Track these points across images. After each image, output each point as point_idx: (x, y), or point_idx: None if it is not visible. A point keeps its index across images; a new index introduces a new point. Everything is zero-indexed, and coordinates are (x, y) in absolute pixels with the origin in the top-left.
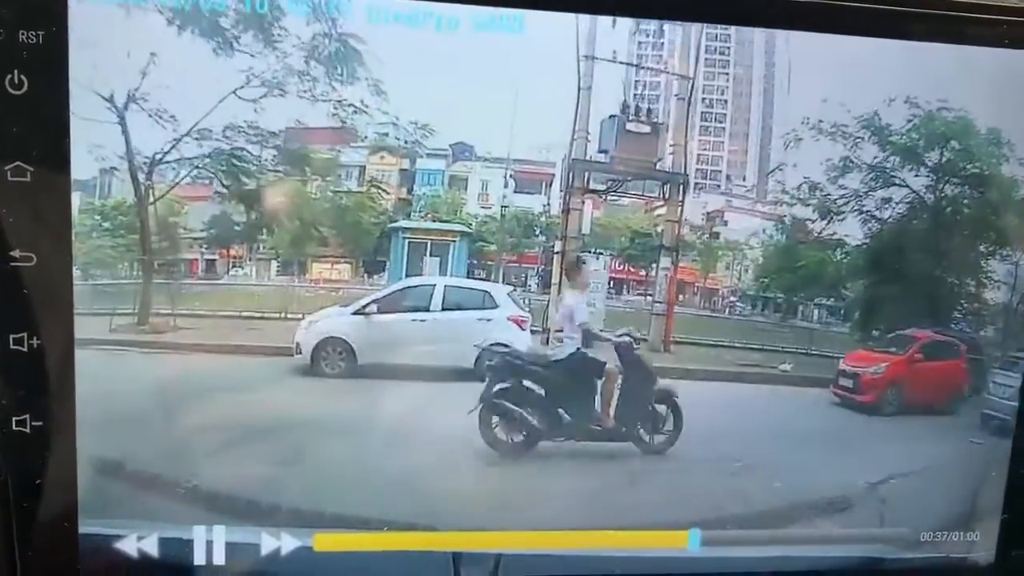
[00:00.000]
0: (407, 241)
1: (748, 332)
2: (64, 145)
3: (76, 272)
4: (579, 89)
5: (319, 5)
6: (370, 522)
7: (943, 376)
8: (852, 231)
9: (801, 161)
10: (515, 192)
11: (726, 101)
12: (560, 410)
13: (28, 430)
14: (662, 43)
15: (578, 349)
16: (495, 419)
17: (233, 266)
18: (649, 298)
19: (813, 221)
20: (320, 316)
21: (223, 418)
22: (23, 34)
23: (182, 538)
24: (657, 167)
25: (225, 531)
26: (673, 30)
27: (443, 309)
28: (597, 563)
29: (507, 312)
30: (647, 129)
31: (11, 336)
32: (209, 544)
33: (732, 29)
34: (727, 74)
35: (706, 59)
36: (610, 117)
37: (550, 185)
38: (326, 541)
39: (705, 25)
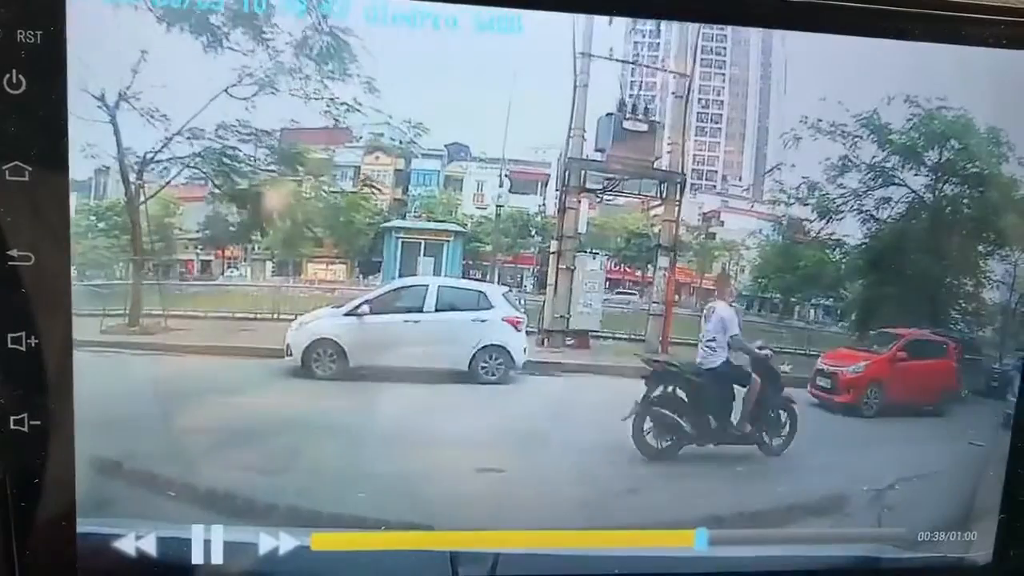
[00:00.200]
0: (400, 241)
1: (747, 332)
2: (62, 145)
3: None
4: (575, 87)
5: (314, 4)
6: (367, 521)
7: (930, 376)
8: (851, 231)
9: (799, 161)
10: (510, 192)
11: (722, 101)
12: (709, 416)
13: (26, 429)
14: (658, 43)
15: (727, 360)
16: (648, 424)
17: (228, 267)
18: (646, 299)
19: (812, 221)
20: (311, 317)
21: (213, 420)
22: (21, 33)
23: (180, 537)
24: (654, 166)
25: (223, 530)
26: (670, 28)
27: (437, 310)
28: (596, 562)
29: (502, 313)
30: (644, 127)
31: (9, 335)
32: (207, 543)
33: (728, 29)
34: (723, 74)
35: (702, 59)
36: (607, 115)
37: (546, 185)
38: (323, 540)
39: (702, 24)
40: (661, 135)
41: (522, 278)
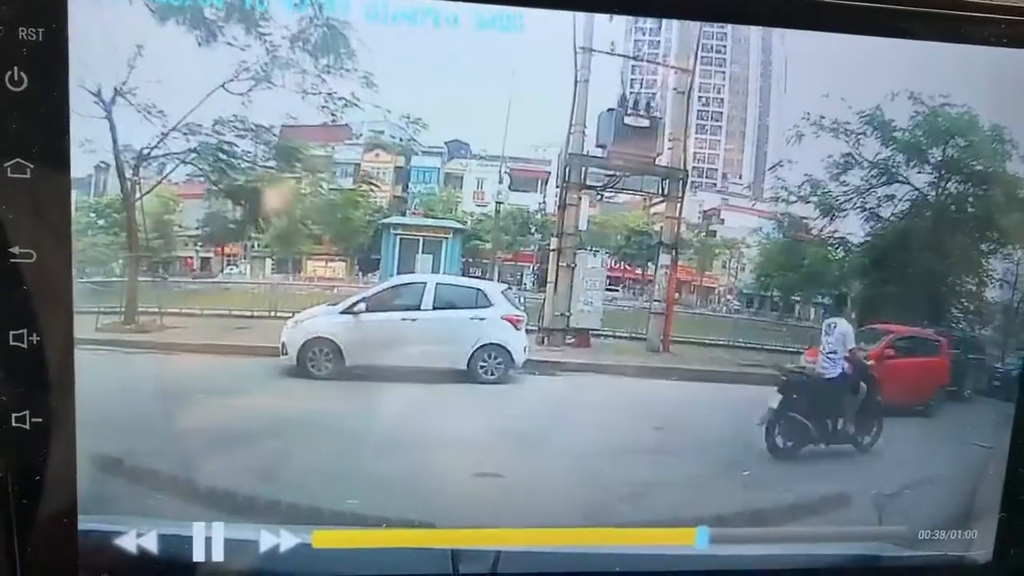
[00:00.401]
0: (399, 238)
1: (747, 331)
2: (64, 142)
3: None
4: (576, 82)
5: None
6: (368, 519)
7: (921, 374)
8: (853, 228)
9: (801, 158)
10: (510, 189)
11: (723, 99)
12: (827, 420)
13: (28, 427)
14: (658, 41)
15: (843, 370)
16: (779, 427)
17: (227, 264)
18: (646, 297)
19: (815, 219)
20: (306, 315)
21: (206, 420)
22: (23, 31)
23: (181, 535)
24: (656, 162)
25: (224, 528)
26: (671, 24)
27: (434, 308)
28: (596, 560)
29: (501, 311)
30: (646, 123)
31: (11, 333)
32: (208, 541)
33: (729, 27)
34: (723, 72)
35: (703, 57)
36: (608, 111)
37: (546, 183)
38: (325, 538)
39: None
40: (663, 131)
41: (522, 276)
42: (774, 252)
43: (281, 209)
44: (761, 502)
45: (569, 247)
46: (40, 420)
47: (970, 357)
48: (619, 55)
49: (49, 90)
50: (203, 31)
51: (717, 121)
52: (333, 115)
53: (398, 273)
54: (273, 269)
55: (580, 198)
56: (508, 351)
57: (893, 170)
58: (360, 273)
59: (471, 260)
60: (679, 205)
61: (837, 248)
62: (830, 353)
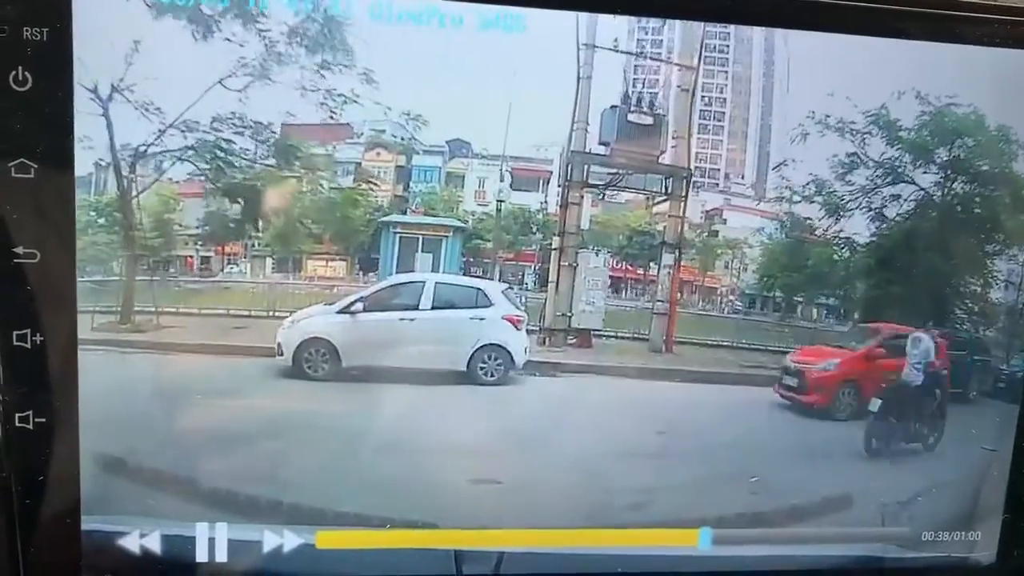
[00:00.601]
0: (398, 237)
1: (750, 331)
2: (67, 142)
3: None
4: (579, 79)
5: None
6: (371, 520)
7: None
8: (859, 228)
9: (805, 157)
10: (512, 188)
11: (725, 99)
12: (912, 423)
13: (31, 427)
14: (660, 40)
15: (924, 380)
16: (876, 429)
17: (228, 263)
18: (649, 297)
19: (820, 219)
20: (303, 315)
21: (200, 421)
22: (27, 30)
23: (184, 535)
24: (659, 160)
25: (227, 528)
26: (674, 23)
27: (433, 308)
28: (599, 561)
29: (502, 311)
30: (649, 120)
31: (14, 333)
32: (212, 541)
33: (732, 26)
34: (726, 72)
35: (706, 56)
36: (611, 108)
37: (547, 183)
38: (328, 539)
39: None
40: (666, 129)
41: (523, 275)
42: (778, 252)
43: (280, 208)
44: (767, 507)
45: (571, 246)
46: (43, 420)
47: (975, 359)
48: (622, 52)
49: (53, 90)
50: (205, 29)
51: (720, 121)
52: (332, 113)
53: (397, 272)
54: (273, 268)
55: (582, 196)
56: (508, 352)
57: (899, 170)
58: (361, 273)
59: (472, 259)
60: (683, 204)
61: (842, 248)
62: (915, 364)
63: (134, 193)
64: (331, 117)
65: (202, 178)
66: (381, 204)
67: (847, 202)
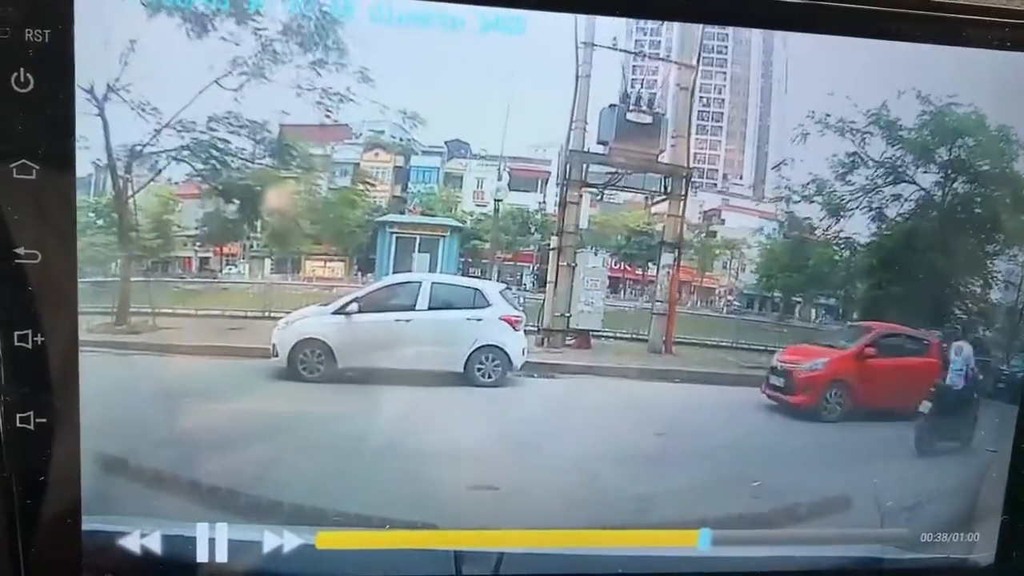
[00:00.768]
0: (394, 236)
1: (749, 332)
2: (69, 143)
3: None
4: (577, 77)
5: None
6: (372, 520)
7: (908, 376)
8: (858, 228)
9: (806, 157)
10: (510, 189)
11: (723, 100)
12: (957, 423)
13: (32, 427)
14: (659, 41)
15: (966, 384)
16: (926, 429)
17: (226, 264)
18: (648, 298)
19: (820, 219)
20: (297, 316)
21: (196, 422)
22: (29, 32)
23: (185, 535)
24: (658, 160)
25: (228, 528)
26: (672, 23)
27: (430, 308)
28: (598, 561)
29: (499, 311)
30: (648, 119)
31: (16, 333)
32: (212, 541)
33: (730, 27)
34: (724, 72)
35: (704, 57)
36: (610, 106)
37: (546, 183)
38: (328, 539)
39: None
40: (665, 128)
41: (522, 276)
42: (778, 252)
43: (277, 208)
44: (767, 509)
45: (569, 246)
46: (44, 420)
47: (977, 360)
48: (621, 50)
49: (55, 91)
50: (207, 29)
51: (718, 121)
52: (328, 112)
53: (394, 272)
54: (272, 269)
55: (581, 196)
56: (506, 353)
57: (900, 170)
58: (359, 273)
59: (470, 260)
60: (682, 204)
61: (843, 248)
62: (958, 370)
63: (130, 193)
64: (329, 118)
65: (198, 178)
66: (379, 205)
67: (847, 202)
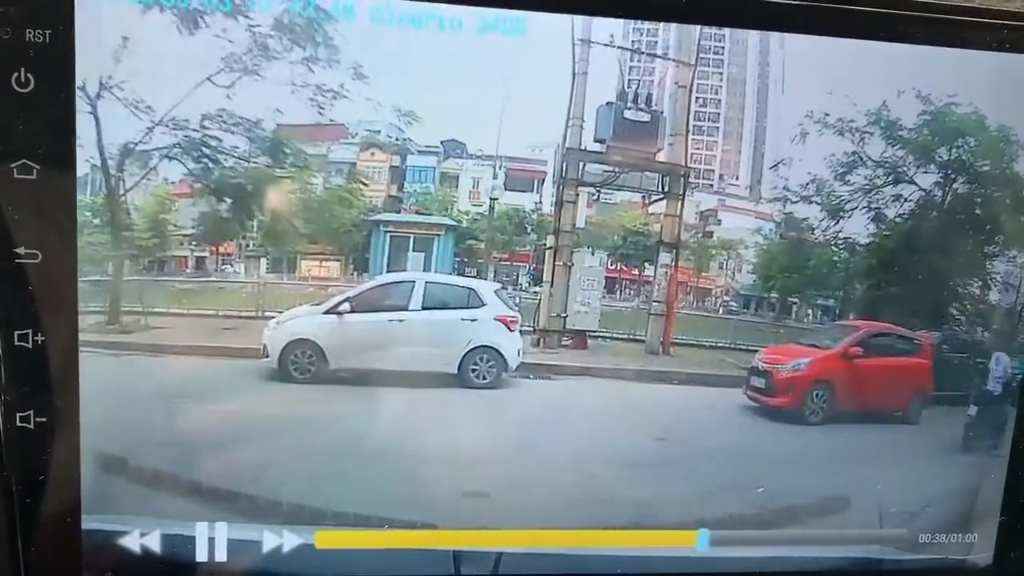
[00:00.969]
0: (388, 235)
1: (747, 333)
2: (69, 143)
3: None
4: (574, 74)
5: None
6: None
7: (897, 376)
8: (856, 228)
9: (805, 157)
10: (506, 188)
11: (720, 100)
12: (993, 423)
13: (32, 426)
14: (656, 41)
15: (1002, 389)
16: (971, 430)
17: (222, 263)
18: (645, 298)
19: (819, 219)
20: (289, 316)
21: (187, 422)
22: (30, 32)
23: (184, 535)
24: (656, 158)
25: (227, 528)
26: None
27: (424, 308)
28: (597, 562)
29: (494, 312)
30: (646, 117)
31: (16, 332)
32: (211, 541)
33: (727, 28)
34: (721, 73)
35: (701, 58)
36: (607, 104)
37: (542, 183)
38: (327, 539)
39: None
40: (663, 126)
41: (518, 275)
42: (777, 253)
43: (271, 207)
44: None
45: (566, 245)
46: (44, 420)
47: (978, 360)
48: (619, 47)
49: (55, 91)
50: (199, 26)
51: (715, 121)
52: (321, 109)
53: (387, 271)
54: (268, 268)
55: (578, 195)
56: (501, 354)
57: (900, 170)
58: (355, 273)
59: (465, 259)
60: (680, 203)
61: (842, 249)
62: (997, 377)
63: (122, 192)
64: (323, 116)
65: (192, 177)
66: (375, 204)
67: (846, 202)
